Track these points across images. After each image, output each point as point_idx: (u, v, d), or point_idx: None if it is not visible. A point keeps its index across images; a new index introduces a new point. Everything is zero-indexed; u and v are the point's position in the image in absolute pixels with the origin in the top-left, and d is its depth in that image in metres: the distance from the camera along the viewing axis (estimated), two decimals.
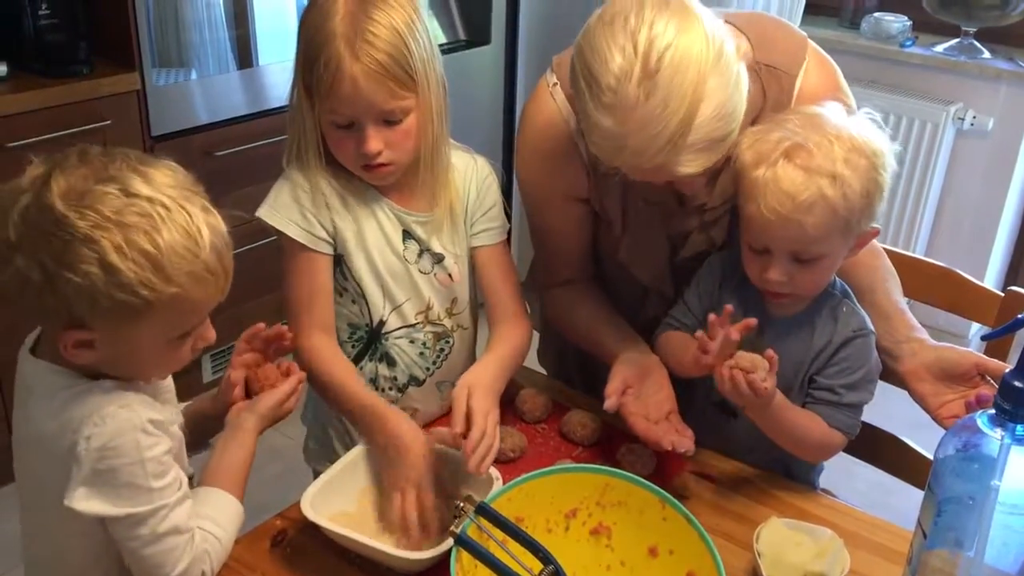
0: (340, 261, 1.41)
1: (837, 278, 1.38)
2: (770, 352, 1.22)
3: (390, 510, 1.21)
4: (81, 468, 1.02)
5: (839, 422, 1.33)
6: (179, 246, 0.97)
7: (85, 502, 1.02)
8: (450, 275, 1.46)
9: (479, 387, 1.28)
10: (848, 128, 1.25)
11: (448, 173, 1.44)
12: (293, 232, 1.36)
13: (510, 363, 1.40)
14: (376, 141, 1.31)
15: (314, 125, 1.33)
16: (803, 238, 1.23)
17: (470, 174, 1.49)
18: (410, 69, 1.30)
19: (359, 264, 1.40)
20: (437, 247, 1.44)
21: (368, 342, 1.46)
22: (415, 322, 1.46)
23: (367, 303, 1.43)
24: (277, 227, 1.37)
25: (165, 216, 0.97)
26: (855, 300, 1.37)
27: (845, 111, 1.29)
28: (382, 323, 1.44)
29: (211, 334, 1.09)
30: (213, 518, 1.11)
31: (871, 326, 1.36)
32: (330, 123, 1.31)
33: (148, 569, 1.07)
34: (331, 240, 1.39)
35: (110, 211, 0.95)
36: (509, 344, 1.42)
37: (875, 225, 1.31)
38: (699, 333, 1.24)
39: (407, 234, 1.43)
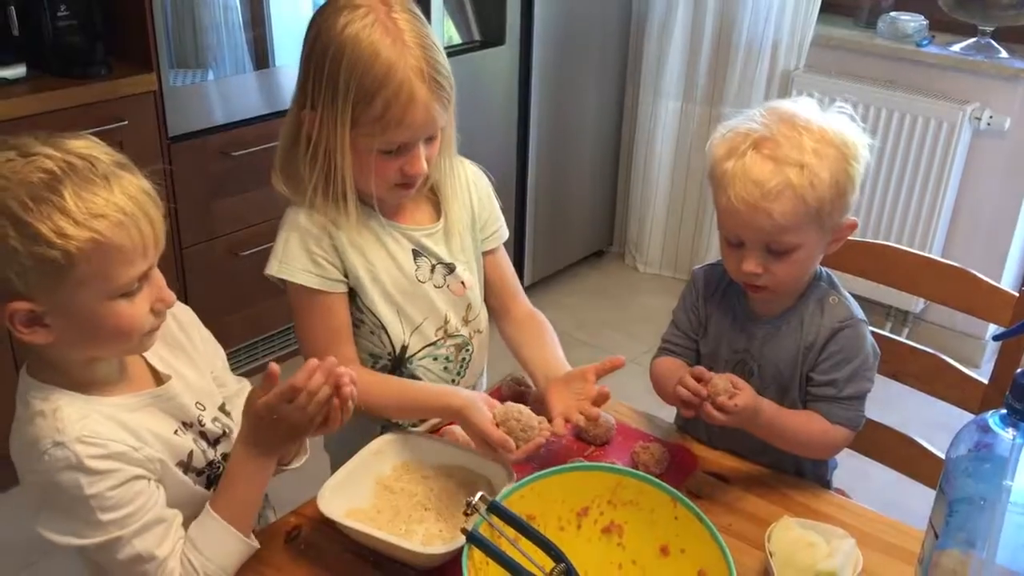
0: (353, 296, 1.40)
1: (824, 269, 1.39)
2: (729, 376, 1.26)
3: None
4: (32, 500, 1.04)
5: (840, 417, 1.33)
6: (86, 192, 0.97)
7: (43, 530, 1.04)
8: (463, 283, 1.47)
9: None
10: (818, 120, 1.27)
11: (456, 181, 1.46)
12: (308, 281, 1.35)
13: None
14: (423, 160, 1.32)
15: (351, 160, 1.31)
16: (773, 228, 1.25)
17: (467, 180, 1.50)
18: (450, 85, 1.32)
19: (374, 296, 1.40)
20: (448, 257, 1.45)
21: (392, 369, 1.46)
22: (435, 339, 1.46)
23: (387, 333, 1.43)
24: (291, 280, 1.35)
25: (67, 169, 0.97)
26: (842, 290, 1.38)
27: (817, 106, 1.30)
28: (404, 348, 1.44)
29: (168, 294, 1.08)
30: (197, 545, 1.09)
31: (860, 314, 1.36)
32: (375, 151, 1.30)
33: None
34: (344, 278, 1.38)
35: (10, 173, 0.96)
36: (551, 335, 1.50)
37: (851, 218, 1.32)
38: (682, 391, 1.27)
39: (417, 252, 1.43)
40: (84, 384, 1.07)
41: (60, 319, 1.01)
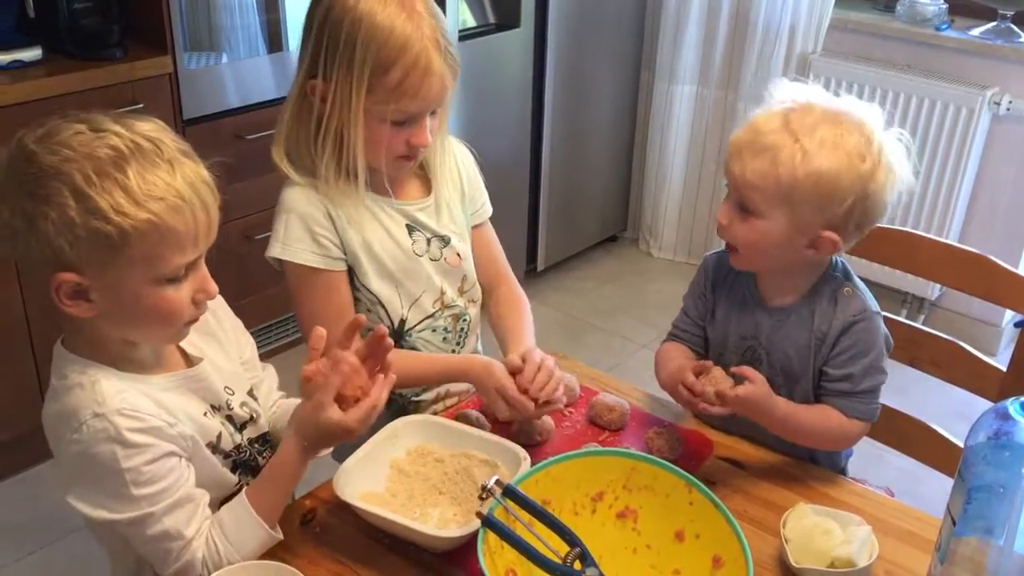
0: (350, 273, 1.42)
1: (840, 259, 1.37)
2: (742, 369, 1.26)
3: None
4: (65, 470, 1.05)
5: (857, 411, 1.32)
6: (149, 174, 0.98)
7: (74, 501, 1.05)
8: (458, 254, 1.49)
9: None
10: (860, 129, 1.23)
11: (446, 156, 1.49)
12: (311, 260, 1.37)
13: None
14: (428, 132, 1.35)
15: (363, 130, 1.33)
16: (741, 179, 1.25)
17: (455, 155, 1.53)
18: (458, 57, 1.33)
19: (370, 272, 1.42)
20: (442, 230, 1.47)
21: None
22: (433, 311, 1.48)
23: (384, 308, 1.45)
24: (295, 261, 1.37)
25: (134, 149, 0.98)
26: (857, 281, 1.36)
27: (881, 118, 1.26)
28: (403, 322, 1.46)
29: (211, 285, 1.08)
30: (225, 531, 1.10)
31: (875, 307, 1.34)
32: (388, 121, 1.31)
33: (149, 559, 1.10)
34: (344, 256, 1.40)
35: (78, 145, 0.97)
36: (527, 317, 1.52)
37: (830, 234, 1.25)
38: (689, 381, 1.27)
39: (411, 227, 1.45)
40: (119, 361, 1.08)
41: (104, 296, 1.02)
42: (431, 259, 1.46)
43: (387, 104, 1.30)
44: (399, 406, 1.53)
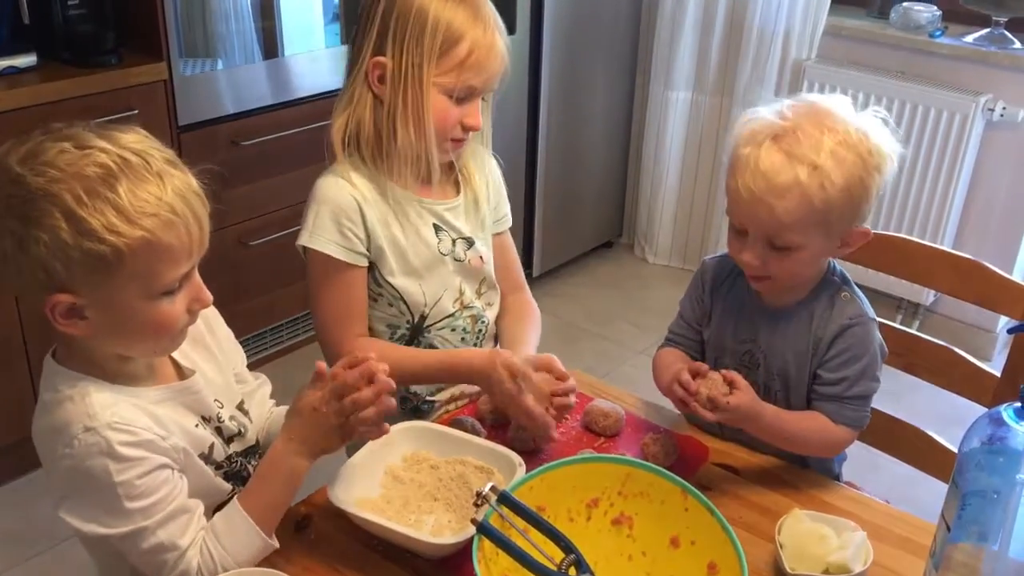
0: (372, 268, 1.44)
1: (837, 264, 1.37)
2: (729, 373, 1.25)
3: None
4: (57, 485, 1.04)
5: (845, 418, 1.32)
6: (140, 189, 0.97)
7: (66, 516, 1.04)
8: (481, 256, 1.52)
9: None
10: (847, 123, 1.24)
11: (481, 159, 1.52)
12: (334, 252, 1.39)
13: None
14: (480, 115, 1.41)
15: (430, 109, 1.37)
16: (774, 223, 1.23)
17: (482, 161, 1.55)
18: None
19: (395, 268, 1.44)
20: (467, 231, 1.50)
21: (411, 338, 1.50)
22: (453, 311, 1.50)
23: (406, 303, 1.47)
24: (318, 249, 1.39)
25: (123, 164, 0.97)
26: (854, 287, 1.36)
27: (851, 105, 1.27)
28: (424, 317, 1.48)
29: (206, 295, 1.07)
30: (219, 537, 1.09)
31: (871, 313, 1.34)
32: (453, 97, 1.36)
33: (144, 571, 1.09)
34: (367, 252, 1.42)
35: (65, 165, 0.96)
36: (535, 326, 1.55)
37: (864, 226, 1.28)
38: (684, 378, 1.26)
39: (438, 227, 1.47)
40: (112, 375, 1.07)
41: (99, 313, 1.01)
42: (455, 259, 1.49)
43: (455, 76, 1.35)
44: (413, 406, 1.54)
